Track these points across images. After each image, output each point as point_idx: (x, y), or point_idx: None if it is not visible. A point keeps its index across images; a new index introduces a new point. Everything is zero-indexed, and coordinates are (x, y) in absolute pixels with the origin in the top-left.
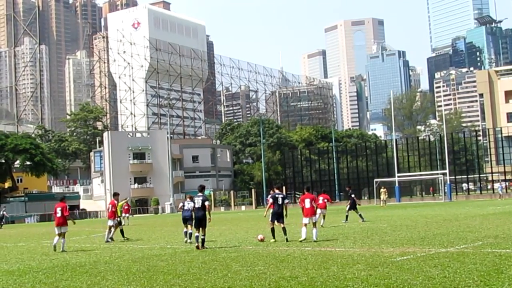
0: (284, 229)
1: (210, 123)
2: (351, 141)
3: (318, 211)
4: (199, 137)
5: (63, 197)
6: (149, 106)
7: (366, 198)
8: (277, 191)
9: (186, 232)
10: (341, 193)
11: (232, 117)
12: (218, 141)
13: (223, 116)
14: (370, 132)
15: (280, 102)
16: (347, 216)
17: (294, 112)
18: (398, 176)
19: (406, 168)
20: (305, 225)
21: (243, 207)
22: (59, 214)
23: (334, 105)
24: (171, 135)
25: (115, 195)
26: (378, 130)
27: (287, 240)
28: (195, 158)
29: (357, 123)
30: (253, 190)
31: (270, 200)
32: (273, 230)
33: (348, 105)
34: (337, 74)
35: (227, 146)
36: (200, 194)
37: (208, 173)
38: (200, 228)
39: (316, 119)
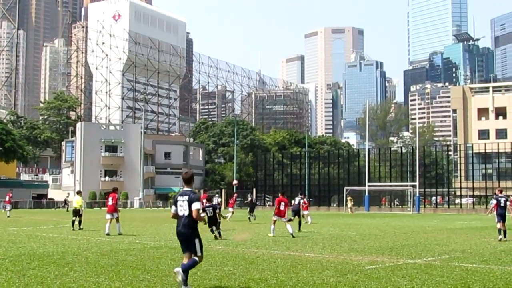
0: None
1: (184, 120)
2: (324, 147)
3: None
4: (173, 134)
5: (116, 188)
6: (125, 99)
7: (335, 205)
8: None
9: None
10: (310, 199)
11: (207, 116)
12: (192, 139)
13: (198, 115)
14: (343, 140)
15: (255, 104)
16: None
17: (269, 115)
18: (368, 186)
19: (377, 178)
20: (274, 222)
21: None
22: (110, 202)
23: (309, 111)
24: (145, 130)
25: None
26: (351, 138)
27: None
28: (167, 155)
29: (331, 130)
30: (223, 191)
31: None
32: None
33: (323, 111)
34: (314, 80)
35: (200, 144)
36: (186, 189)
37: (180, 170)
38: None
39: (290, 124)
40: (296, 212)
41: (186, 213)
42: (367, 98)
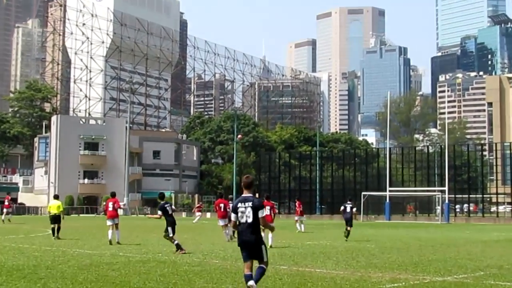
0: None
1: (176, 114)
2: (338, 146)
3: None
4: (163, 130)
5: (114, 193)
6: (108, 89)
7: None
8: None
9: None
10: (322, 206)
11: (202, 109)
12: (185, 136)
13: (192, 108)
14: (360, 138)
15: (259, 96)
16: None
17: (274, 109)
18: (390, 191)
19: (399, 182)
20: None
21: (208, 214)
22: (110, 208)
23: (321, 103)
24: (131, 125)
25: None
26: (369, 136)
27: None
28: (156, 154)
29: (346, 127)
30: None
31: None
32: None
33: (337, 105)
34: (327, 69)
35: (194, 142)
36: (247, 195)
37: (170, 171)
38: None
39: (299, 119)
40: (348, 220)
41: (250, 220)
42: (388, 89)
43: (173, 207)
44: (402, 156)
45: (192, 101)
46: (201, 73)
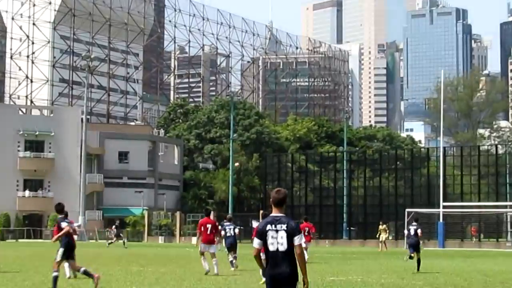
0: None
1: (151, 101)
2: (373, 146)
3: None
4: (132, 123)
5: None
6: (56, 67)
7: (391, 237)
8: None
9: (232, 262)
10: (351, 228)
11: (186, 95)
12: (162, 132)
13: (172, 93)
14: (403, 134)
15: (264, 77)
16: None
17: (285, 94)
18: (444, 207)
19: (457, 194)
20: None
21: (194, 239)
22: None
23: (350, 86)
24: (88, 117)
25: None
26: (416, 131)
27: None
28: (123, 156)
29: (384, 118)
30: (212, 214)
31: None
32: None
33: (371, 88)
34: (358, 39)
35: (175, 140)
36: (279, 215)
37: (143, 181)
38: None
39: (319, 107)
40: (415, 247)
41: (283, 248)
42: (441, 67)
43: (75, 225)
44: (461, 159)
45: (172, 84)
46: (184, 45)
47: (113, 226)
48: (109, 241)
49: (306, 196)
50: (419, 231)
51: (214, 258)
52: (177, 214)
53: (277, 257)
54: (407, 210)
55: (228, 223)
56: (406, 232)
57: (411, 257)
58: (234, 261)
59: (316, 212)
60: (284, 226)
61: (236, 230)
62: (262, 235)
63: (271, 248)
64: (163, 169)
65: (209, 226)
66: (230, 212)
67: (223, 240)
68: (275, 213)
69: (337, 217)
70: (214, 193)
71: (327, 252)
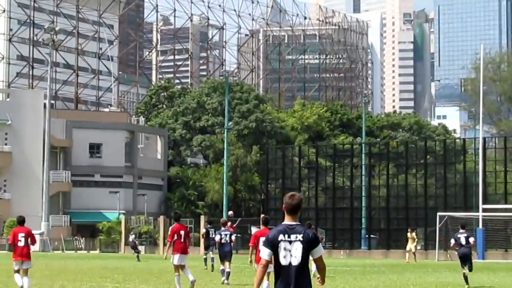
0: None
1: (128, 83)
2: (397, 136)
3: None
4: (106, 109)
5: (24, 219)
6: (14, 42)
7: (420, 246)
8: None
9: (223, 270)
10: (371, 235)
11: (171, 75)
12: (143, 120)
13: (155, 73)
14: (434, 122)
15: (266, 53)
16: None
17: (291, 74)
18: (484, 210)
19: (500, 194)
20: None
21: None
22: (22, 243)
23: (370, 64)
24: (53, 101)
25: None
26: (449, 118)
27: None
28: (95, 149)
29: (411, 103)
30: (202, 218)
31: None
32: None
33: (395, 67)
34: (378, 7)
35: (158, 129)
36: (293, 223)
37: (119, 179)
38: None
39: (333, 90)
40: (466, 258)
41: (297, 262)
42: (481, 41)
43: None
44: (504, 152)
45: (154, 62)
46: (168, 15)
47: (132, 237)
48: (135, 253)
49: (317, 198)
50: (471, 239)
51: (185, 268)
52: (161, 219)
53: (289, 272)
54: (438, 214)
55: (224, 229)
56: (452, 241)
57: (470, 269)
58: (225, 280)
59: (328, 216)
60: (299, 237)
61: (233, 237)
62: (273, 244)
63: (283, 261)
64: (144, 165)
65: (182, 233)
66: (224, 216)
67: (216, 247)
68: (288, 221)
69: (354, 222)
70: (205, 194)
71: (342, 265)
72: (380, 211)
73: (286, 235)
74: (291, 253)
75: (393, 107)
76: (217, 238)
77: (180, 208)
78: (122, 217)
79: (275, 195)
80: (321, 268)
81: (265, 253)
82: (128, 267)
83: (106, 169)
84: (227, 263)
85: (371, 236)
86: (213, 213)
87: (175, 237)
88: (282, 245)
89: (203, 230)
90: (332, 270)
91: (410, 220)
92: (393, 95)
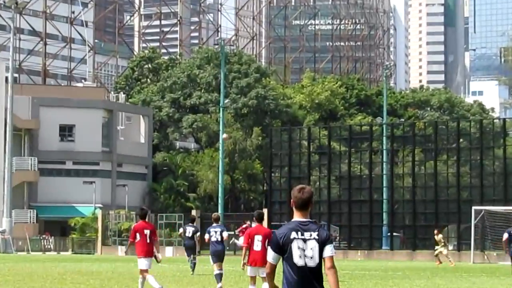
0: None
1: (106, 53)
2: (425, 115)
3: None
4: (79, 84)
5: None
6: None
7: (451, 246)
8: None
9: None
10: (394, 233)
11: (157, 44)
12: (123, 96)
13: (137, 41)
14: (469, 99)
15: (269, 18)
16: None
17: (299, 43)
18: None
19: None
20: (252, 278)
21: (169, 250)
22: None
23: (393, 31)
24: (16, 75)
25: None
26: (487, 94)
27: None
28: (66, 132)
29: (442, 76)
30: (194, 212)
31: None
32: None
33: (423, 33)
34: None
35: (141, 108)
36: (305, 220)
37: (95, 167)
38: None
39: (348, 61)
40: None
41: (314, 263)
42: None
43: None
44: None
45: (136, 28)
46: None
47: None
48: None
49: (329, 189)
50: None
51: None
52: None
53: (305, 274)
54: (474, 208)
55: (215, 225)
56: (505, 236)
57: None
58: (219, 284)
59: (343, 210)
60: (314, 235)
61: (224, 235)
62: (283, 246)
63: (299, 262)
64: (124, 150)
65: (147, 232)
66: (220, 211)
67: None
68: (299, 217)
69: (374, 218)
70: (197, 185)
71: (360, 269)
72: (404, 205)
73: (300, 233)
74: (306, 253)
75: (420, 81)
76: (206, 236)
77: (168, 202)
78: (99, 212)
79: (280, 186)
80: (331, 268)
81: (271, 256)
82: (105, 271)
83: (79, 155)
84: (218, 264)
85: (394, 234)
86: (206, 207)
87: (138, 238)
88: (296, 243)
89: (180, 230)
90: (348, 274)
91: (440, 215)
92: (420, 67)
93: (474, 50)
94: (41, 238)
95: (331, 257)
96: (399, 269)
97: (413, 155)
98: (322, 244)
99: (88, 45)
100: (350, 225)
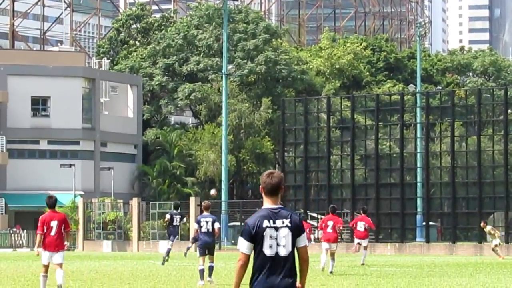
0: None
1: (86, 11)
2: (466, 82)
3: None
4: (55, 48)
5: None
6: None
7: (499, 237)
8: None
9: (202, 270)
10: (430, 223)
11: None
12: (107, 62)
13: None
14: None
15: None
16: None
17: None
18: None
19: None
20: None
21: (163, 244)
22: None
23: None
24: None
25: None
26: None
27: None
28: (40, 105)
29: (486, 35)
30: (192, 200)
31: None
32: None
33: None
34: None
35: (129, 76)
36: (275, 206)
37: (75, 147)
38: None
39: (374, 18)
40: None
41: (286, 251)
42: None
43: None
44: None
45: None
46: None
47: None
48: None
49: (353, 170)
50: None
51: (60, 268)
52: (134, 202)
53: (277, 264)
54: None
55: (205, 214)
56: None
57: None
58: (210, 279)
59: (370, 196)
60: (287, 222)
61: (216, 226)
62: (257, 234)
63: (269, 252)
64: (109, 126)
65: (54, 224)
66: (223, 197)
67: (195, 239)
68: (269, 203)
69: (407, 205)
70: (196, 167)
71: (390, 265)
72: (442, 189)
73: (271, 221)
74: (278, 241)
75: (460, 41)
76: (196, 226)
77: (162, 187)
78: (80, 201)
79: (295, 168)
80: (305, 259)
81: (244, 246)
82: (88, 270)
83: (56, 133)
84: (208, 257)
85: (430, 224)
86: (207, 194)
87: (45, 229)
88: (267, 232)
89: (167, 216)
90: (375, 271)
91: (485, 201)
92: (460, 24)
93: None
94: (11, 232)
95: (306, 247)
96: (436, 265)
97: (452, 130)
98: (294, 231)
99: (65, 1)
100: (378, 214)
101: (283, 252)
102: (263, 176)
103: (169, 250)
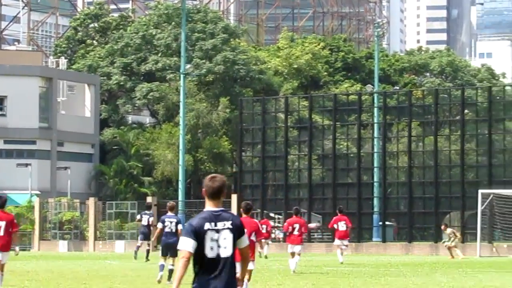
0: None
1: (44, 9)
2: (423, 82)
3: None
4: (12, 47)
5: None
6: None
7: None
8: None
9: (162, 266)
10: (386, 223)
11: None
12: (64, 61)
13: None
14: (476, 62)
15: None
16: None
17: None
18: None
19: None
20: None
21: (120, 244)
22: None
23: None
24: None
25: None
26: (497, 57)
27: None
28: None
29: (443, 35)
30: (150, 199)
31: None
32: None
33: None
34: None
35: (87, 76)
36: (217, 209)
37: (32, 146)
38: None
39: (333, 18)
40: None
41: (228, 253)
42: None
43: None
44: None
45: None
46: None
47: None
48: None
49: (310, 170)
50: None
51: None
52: (91, 202)
53: (217, 265)
54: (481, 191)
55: (170, 215)
56: None
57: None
58: (169, 283)
59: (327, 196)
60: (228, 224)
61: (179, 227)
62: (197, 237)
63: (210, 254)
64: (66, 125)
65: (2, 224)
66: (180, 197)
67: (158, 239)
68: (211, 206)
69: (363, 204)
70: (153, 166)
71: (346, 264)
72: (399, 188)
73: (213, 223)
74: (219, 243)
75: (418, 41)
76: (160, 225)
77: (119, 187)
78: (36, 200)
79: (252, 167)
80: (247, 258)
81: (189, 244)
82: (44, 270)
83: (12, 132)
84: (170, 259)
85: (387, 223)
86: (164, 193)
87: None
88: (209, 234)
89: (138, 217)
90: (332, 271)
91: (441, 200)
92: (418, 24)
93: (482, 4)
94: None
95: (248, 247)
96: (392, 264)
97: (409, 130)
98: (236, 233)
99: (22, 0)
100: (334, 213)
101: (224, 253)
102: (206, 179)
103: (148, 251)
